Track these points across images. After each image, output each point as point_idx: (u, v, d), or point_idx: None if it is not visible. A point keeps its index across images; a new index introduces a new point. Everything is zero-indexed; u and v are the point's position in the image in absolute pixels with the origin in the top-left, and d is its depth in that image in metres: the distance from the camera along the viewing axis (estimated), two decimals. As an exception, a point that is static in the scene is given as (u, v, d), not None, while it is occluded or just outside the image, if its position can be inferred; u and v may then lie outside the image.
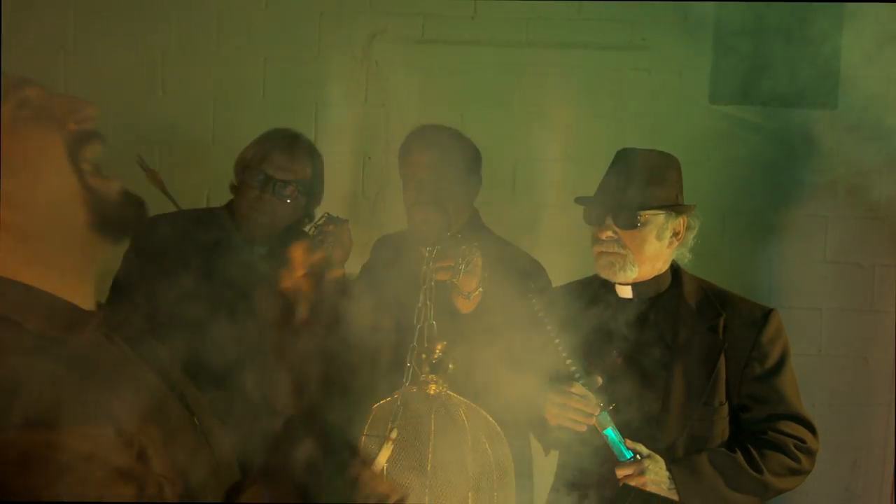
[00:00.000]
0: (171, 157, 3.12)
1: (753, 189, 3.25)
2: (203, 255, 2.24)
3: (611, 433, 2.00)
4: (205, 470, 1.12)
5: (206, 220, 2.43)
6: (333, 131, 3.29)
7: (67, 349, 1.02)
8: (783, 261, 3.29)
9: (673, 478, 1.99)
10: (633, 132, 3.20)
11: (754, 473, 2.00)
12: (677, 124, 3.20)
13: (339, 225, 2.23)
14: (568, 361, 2.03)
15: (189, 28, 3.25)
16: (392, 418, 1.69)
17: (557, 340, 2.04)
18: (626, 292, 2.15)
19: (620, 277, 2.09)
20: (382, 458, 1.65)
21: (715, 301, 2.11)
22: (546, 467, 2.40)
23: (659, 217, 2.07)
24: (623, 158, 2.13)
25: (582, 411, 1.99)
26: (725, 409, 2.08)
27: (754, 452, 2.02)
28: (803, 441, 2.05)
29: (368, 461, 1.59)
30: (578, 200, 2.14)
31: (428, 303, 1.76)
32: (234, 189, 2.46)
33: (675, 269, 2.17)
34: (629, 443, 2.00)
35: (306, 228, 2.26)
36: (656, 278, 2.13)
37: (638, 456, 1.99)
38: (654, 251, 2.08)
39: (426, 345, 1.74)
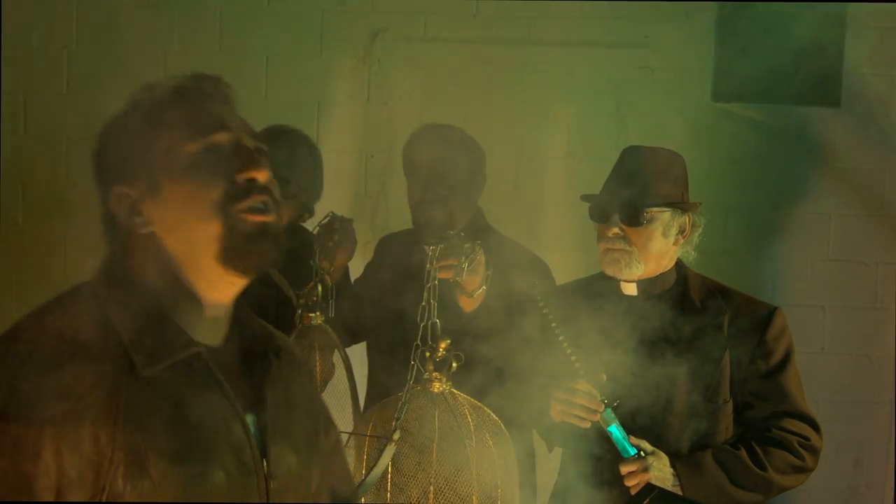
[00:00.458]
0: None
1: (756, 187, 3.25)
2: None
3: (615, 430, 2.00)
4: None
5: None
6: (336, 130, 3.29)
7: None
8: (786, 259, 3.29)
9: (677, 475, 1.99)
10: (635, 130, 3.20)
11: (758, 471, 2.00)
12: (680, 122, 3.19)
13: (343, 224, 2.23)
14: (572, 358, 2.03)
15: (191, 27, 3.25)
16: (395, 417, 1.69)
17: (562, 337, 2.04)
18: (630, 289, 2.15)
19: (626, 274, 2.09)
20: (385, 460, 1.65)
21: (719, 299, 2.12)
22: (550, 464, 2.40)
23: (665, 214, 2.07)
24: (629, 156, 2.13)
25: (586, 408, 1.99)
26: (730, 407, 2.08)
27: (758, 450, 2.02)
28: (807, 439, 2.05)
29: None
30: (584, 198, 2.14)
31: (432, 301, 1.76)
32: None
33: (679, 267, 2.17)
34: (633, 440, 2.00)
35: (312, 229, 2.26)
36: (661, 276, 2.14)
37: (642, 453, 1.99)
38: (659, 248, 2.08)
39: (430, 343, 1.74)
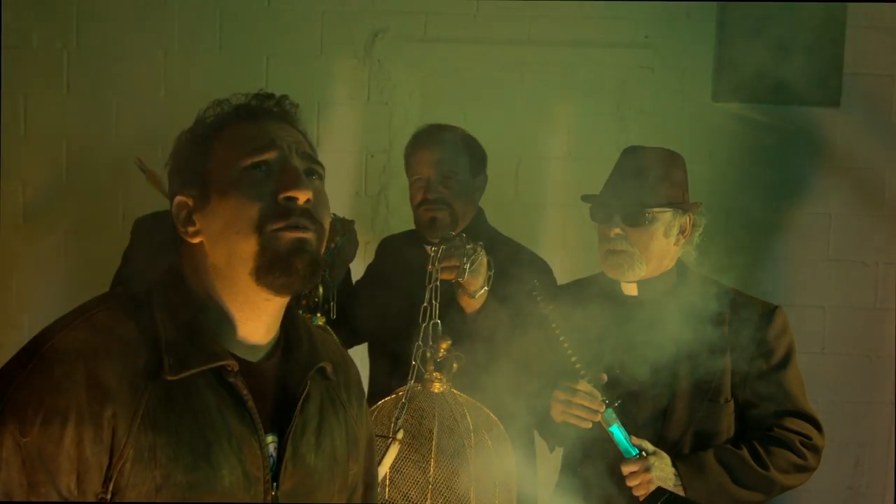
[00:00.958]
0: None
1: (756, 187, 3.25)
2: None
3: (616, 430, 2.00)
4: None
5: None
6: (336, 130, 3.29)
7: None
8: (786, 258, 3.29)
9: (679, 474, 1.99)
10: (635, 130, 3.20)
11: (760, 470, 2.00)
12: (680, 122, 3.20)
13: (345, 225, 2.23)
14: (573, 359, 2.03)
15: (191, 27, 3.25)
16: (395, 416, 1.69)
17: (562, 338, 2.04)
18: (631, 290, 2.15)
19: (629, 276, 2.09)
20: (389, 460, 1.65)
21: (721, 298, 2.11)
22: (550, 464, 2.40)
23: (666, 214, 2.07)
24: (630, 156, 2.13)
25: (587, 408, 1.99)
26: (731, 406, 2.08)
27: (760, 449, 2.02)
28: (809, 438, 2.05)
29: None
30: (585, 198, 2.14)
31: (433, 302, 1.76)
32: None
33: (680, 267, 2.17)
34: (635, 439, 2.00)
35: None
36: (662, 276, 2.14)
37: (643, 453, 1.99)
38: (661, 249, 2.08)
39: (431, 343, 1.75)
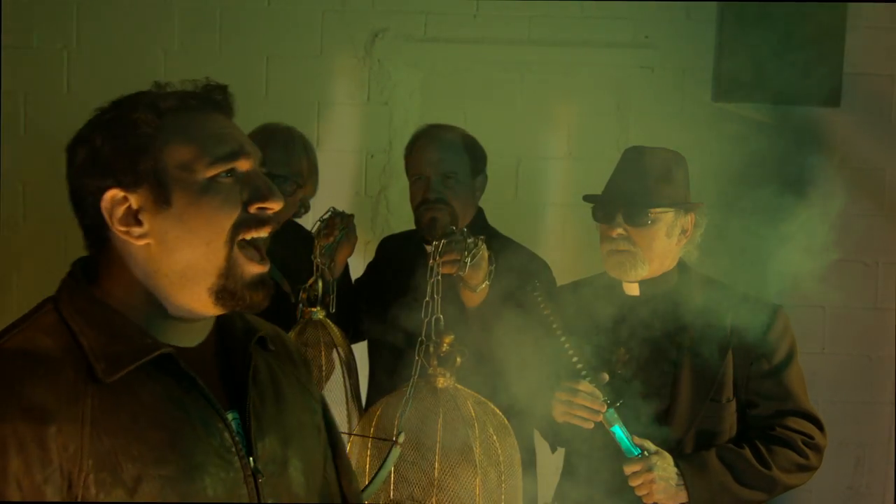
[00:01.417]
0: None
1: (756, 187, 3.25)
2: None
3: (618, 430, 2.00)
4: None
5: None
6: (336, 130, 3.29)
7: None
8: (786, 258, 3.29)
9: (681, 474, 1.99)
10: (636, 130, 3.20)
11: (763, 469, 2.00)
12: (680, 122, 3.19)
13: (344, 220, 2.23)
14: (574, 359, 2.03)
15: (191, 26, 3.25)
16: (400, 412, 1.69)
17: (564, 338, 2.04)
18: (633, 289, 2.15)
19: (631, 276, 2.10)
20: (391, 463, 1.64)
21: (722, 298, 2.12)
22: (551, 464, 2.40)
23: (668, 215, 2.07)
24: (632, 156, 2.13)
25: (588, 408, 1.99)
26: (733, 406, 2.08)
27: (762, 448, 2.03)
28: (811, 437, 2.05)
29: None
30: (587, 198, 2.14)
31: (435, 297, 1.76)
32: None
33: (682, 267, 2.18)
34: (637, 439, 2.00)
35: (312, 225, 2.25)
36: (664, 275, 2.14)
37: (645, 452, 1.99)
38: (663, 248, 2.09)
39: (434, 338, 1.74)
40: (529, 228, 3.20)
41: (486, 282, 2.03)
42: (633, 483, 1.98)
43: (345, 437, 1.75)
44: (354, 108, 3.29)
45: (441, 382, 1.73)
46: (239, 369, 1.21)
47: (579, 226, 3.03)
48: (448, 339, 1.72)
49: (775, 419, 2.06)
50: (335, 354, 2.13)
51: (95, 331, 1.10)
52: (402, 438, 1.66)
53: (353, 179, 3.32)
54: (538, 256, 2.49)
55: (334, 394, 2.13)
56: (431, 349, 1.72)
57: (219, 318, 1.23)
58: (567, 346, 2.03)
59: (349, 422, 2.10)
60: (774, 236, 3.28)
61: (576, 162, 3.29)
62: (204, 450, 1.10)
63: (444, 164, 2.37)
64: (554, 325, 2.05)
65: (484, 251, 1.98)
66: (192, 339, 1.19)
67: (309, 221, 2.36)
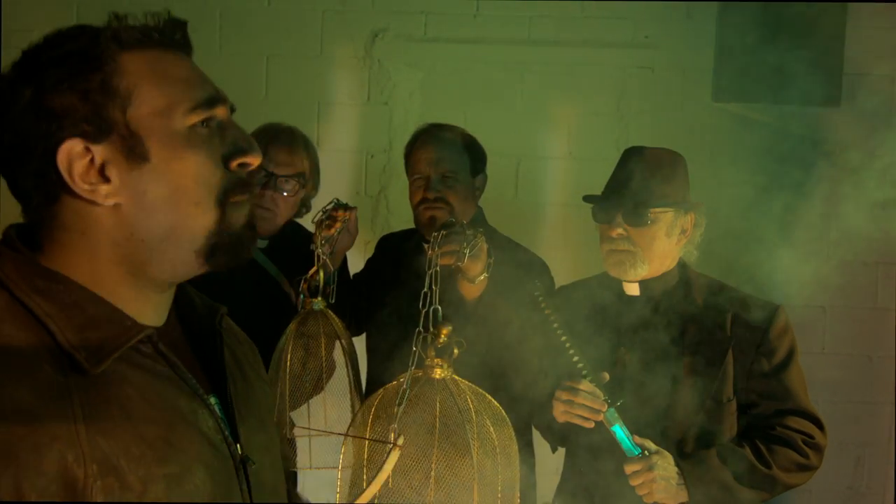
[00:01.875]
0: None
1: (756, 187, 3.25)
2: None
3: (618, 430, 2.00)
4: None
5: None
6: (336, 129, 3.30)
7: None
8: (786, 258, 3.29)
9: (682, 473, 1.99)
10: (635, 130, 3.21)
11: (763, 469, 2.00)
12: (680, 122, 3.20)
13: (347, 210, 2.23)
14: (575, 359, 2.03)
15: (191, 26, 3.23)
16: (397, 402, 1.68)
17: (564, 338, 2.04)
18: (633, 290, 2.15)
19: (631, 275, 2.09)
20: (389, 466, 1.64)
21: (722, 297, 2.12)
22: (551, 464, 2.40)
23: (668, 214, 2.07)
24: (631, 156, 2.13)
25: (589, 408, 1.99)
26: (734, 405, 2.08)
27: (763, 448, 2.02)
28: (811, 437, 2.05)
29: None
30: (586, 198, 2.14)
31: (433, 287, 1.75)
32: None
33: (682, 267, 2.18)
34: (637, 439, 2.00)
35: (313, 218, 2.25)
36: (664, 275, 2.14)
37: (646, 452, 1.99)
38: (663, 248, 2.09)
39: (432, 329, 1.73)
40: (529, 228, 3.20)
41: (485, 274, 2.02)
42: (634, 482, 1.98)
43: (342, 438, 1.75)
44: (354, 108, 3.29)
45: (438, 373, 1.72)
46: (208, 350, 1.09)
47: (579, 226, 3.02)
48: (445, 330, 1.72)
49: (775, 419, 2.06)
50: (338, 345, 2.13)
51: (65, 313, 0.93)
52: (401, 441, 1.65)
53: (353, 179, 3.32)
54: (537, 257, 2.49)
55: (337, 384, 2.13)
56: (429, 340, 1.72)
57: (176, 294, 1.08)
58: (568, 345, 2.03)
59: (353, 412, 2.10)
60: (773, 236, 3.29)
61: (576, 162, 3.29)
62: (198, 440, 0.99)
63: (444, 164, 2.37)
64: (555, 325, 2.05)
65: (483, 243, 1.98)
66: (159, 316, 1.04)
67: (309, 221, 2.36)
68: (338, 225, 2.19)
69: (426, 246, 2.00)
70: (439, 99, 3.26)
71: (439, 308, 1.71)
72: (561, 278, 2.47)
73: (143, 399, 0.95)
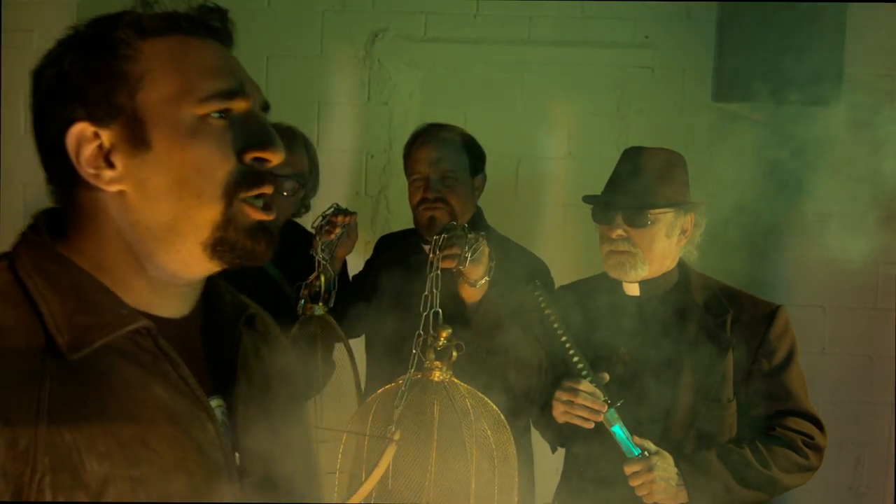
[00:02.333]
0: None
1: (756, 187, 3.25)
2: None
3: (618, 430, 2.00)
4: None
5: None
6: (336, 129, 3.29)
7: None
8: (786, 258, 3.29)
9: (682, 474, 1.99)
10: (635, 130, 3.21)
11: (763, 469, 2.00)
12: (680, 122, 3.20)
13: (347, 216, 2.23)
14: (575, 359, 2.03)
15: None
16: (395, 404, 1.69)
17: (564, 338, 2.04)
18: (633, 290, 2.15)
19: (631, 276, 2.09)
20: (385, 461, 1.64)
21: (722, 298, 2.12)
22: (551, 464, 2.40)
23: (668, 215, 2.07)
24: (631, 157, 2.13)
25: (589, 408, 1.99)
26: (733, 406, 2.08)
27: (763, 449, 2.02)
28: (811, 437, 2.05)
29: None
30: (586, 199, 2.14)
31: (434, 290, 1.75)
32: None
33: (682, 267, 2.18)
34: (637, 439, 2.00)
35: (313, 223, 2.25)
36: (664, 276, 2.14)
37: (646, 453, 1.99)
38: (663, 249, 2.09)
39: (431, 332, 1.74)
40: (529, 228, 3.20)
41: (486, 277, 2.02)
42: (634, 483, 1.98)
43: (340, 434, 1.75)
44: (354, 108, 3.29)
45: (437, 376, 1.72)
46: (225, 348, 1.05)
47: (579, 226, 3.03)
48: (445, 333, 1.72)
49: (775, 419, 2.06)
50: (337, 348, 2.13)
51: (59, 295, 0.92)
52: (397, 435, 1.65)
53: (353, 179, 3.32)
54: (537, 257, 2.49)
55: (338, 388, 2.13)
56: (429, 342, 1.72)
57: (206, 287, 1.06)
58: (568, 345, 2.03)
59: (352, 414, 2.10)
60: (773, 236, 3.29)
61: (576, 162, 3.29)
62: (183, 445, 0.94)
63: (443, 164, 2.37)
64: (555, 325, 2.04)
65: (484, 246, 1.97)
66: (177, 308, 1.01)
67: (309, 221, 2.37)
68: (338, 230, 2.19)
69: (425, 247, 2.00)
70: (439, 99, 3.26)
71: (440, 311, 1.71)
72: (561, 278, 2.47)
73: (128, 394, 0.91)
